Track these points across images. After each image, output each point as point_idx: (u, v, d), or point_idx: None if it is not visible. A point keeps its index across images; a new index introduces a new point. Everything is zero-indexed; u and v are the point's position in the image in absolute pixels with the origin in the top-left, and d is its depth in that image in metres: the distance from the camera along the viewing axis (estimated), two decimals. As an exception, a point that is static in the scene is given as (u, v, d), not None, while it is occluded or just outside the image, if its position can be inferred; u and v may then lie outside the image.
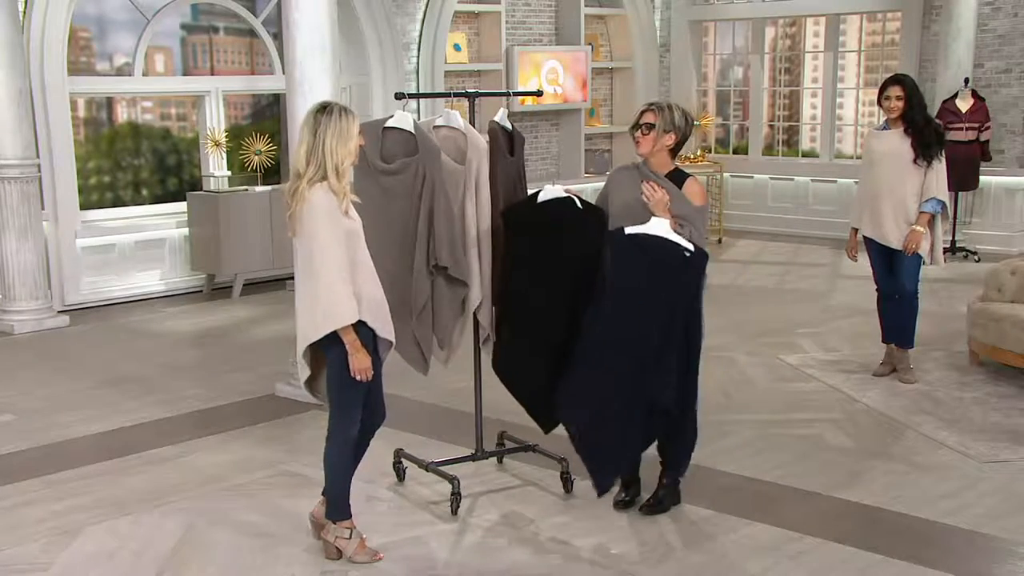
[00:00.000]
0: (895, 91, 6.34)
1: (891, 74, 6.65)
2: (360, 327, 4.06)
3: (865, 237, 6.57)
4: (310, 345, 4.14)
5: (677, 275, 4.43)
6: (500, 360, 4.84)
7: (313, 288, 4.02)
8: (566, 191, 4.70)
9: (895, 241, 6.40)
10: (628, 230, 4.46)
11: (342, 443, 4.21)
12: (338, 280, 3.97)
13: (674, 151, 4.73)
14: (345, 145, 4.02)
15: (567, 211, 4.66)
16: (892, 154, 6.36)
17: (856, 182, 6.83)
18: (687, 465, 4.79)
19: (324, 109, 4.05)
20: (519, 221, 4.70)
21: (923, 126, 6.33)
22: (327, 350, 4.15)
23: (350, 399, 4.17)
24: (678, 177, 4.69)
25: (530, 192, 4.79)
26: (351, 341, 4.02)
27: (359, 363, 4.04)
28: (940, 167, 6.35)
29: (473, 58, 11.88)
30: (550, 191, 4.68)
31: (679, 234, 4.46)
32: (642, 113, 4.72)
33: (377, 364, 4.19)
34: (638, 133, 4.70)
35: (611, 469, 4.57)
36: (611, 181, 4.87)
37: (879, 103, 6.49)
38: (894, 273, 6.51)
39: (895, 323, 6.65)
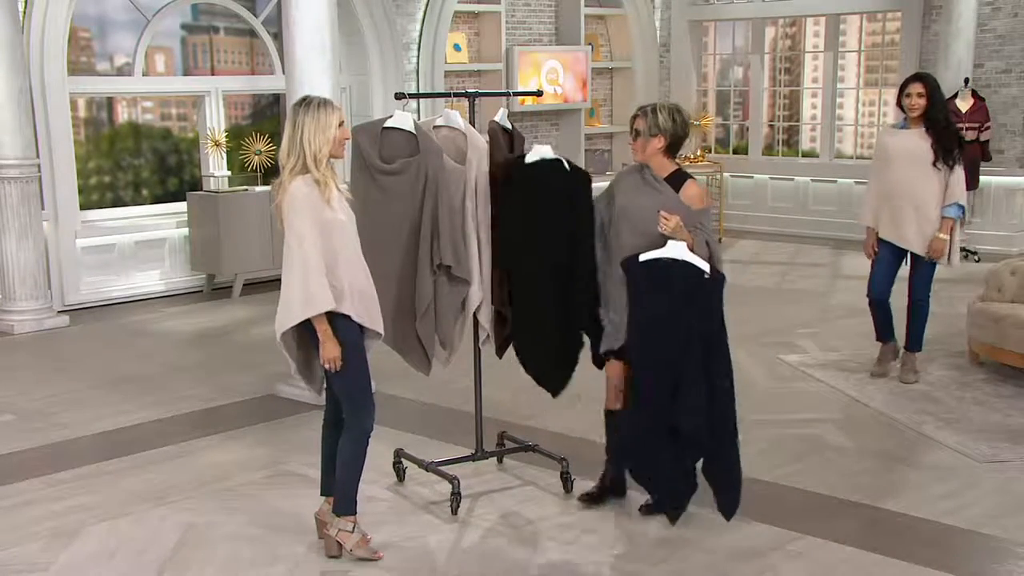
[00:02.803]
0: (916, 88, 6.24)
1: (914, 72, 6.51)
2: (344, 320, 4.08)
3: (879, 237, 6.51)
4: (303, 337, 4.17)
5: (697, 297, 4.32)
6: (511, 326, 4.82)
7: (289, 276, 4.07)
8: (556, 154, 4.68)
9: (917, 247, 6.34)
10: (643, 257, 4.32)
11: (357, 435, 4.23)
12: (313, 268, 4.00)
13: (670, 152, 4.55)
14: (323, 134, 4.07)
15: (556, 174, 4.62)
16: (910, 154, 6.27)
17: (857, 181, 6.79)
18: (736, 499, 4.48)
19: (303, 101, 4.15)
20: (508, 179, 4.66)
21: (943, 128, 6.23)
22: (318, 345, 4.17)
23: (352, 390, 4.18)
24: (678, 179, 4.53)
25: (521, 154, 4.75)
26: (323, 330, 4.05)
27: (328, 352, 4.06)
28: (959, 170, 6.29)
29: (473, 58, 11.87)
30: (539, 150, 4.64)
31: (694, 240, 4.35)
32: (633, 119, 4.60)
33: (362, 354, 4.19)
34: (630, 139, 4.62)
35: (670, 500, 4.56)
36: (616, 182, 4.71)
37: (898, 103, 6.37)
38: (908, 276, 6.48)
39: (887, 321, 6.64)
